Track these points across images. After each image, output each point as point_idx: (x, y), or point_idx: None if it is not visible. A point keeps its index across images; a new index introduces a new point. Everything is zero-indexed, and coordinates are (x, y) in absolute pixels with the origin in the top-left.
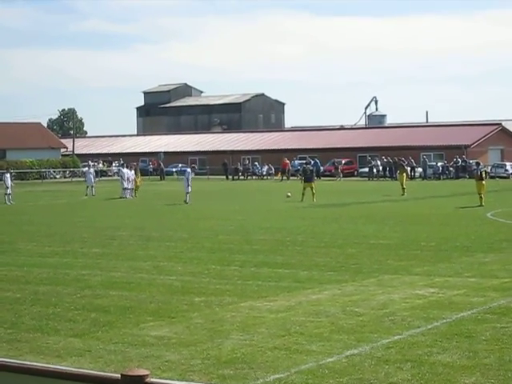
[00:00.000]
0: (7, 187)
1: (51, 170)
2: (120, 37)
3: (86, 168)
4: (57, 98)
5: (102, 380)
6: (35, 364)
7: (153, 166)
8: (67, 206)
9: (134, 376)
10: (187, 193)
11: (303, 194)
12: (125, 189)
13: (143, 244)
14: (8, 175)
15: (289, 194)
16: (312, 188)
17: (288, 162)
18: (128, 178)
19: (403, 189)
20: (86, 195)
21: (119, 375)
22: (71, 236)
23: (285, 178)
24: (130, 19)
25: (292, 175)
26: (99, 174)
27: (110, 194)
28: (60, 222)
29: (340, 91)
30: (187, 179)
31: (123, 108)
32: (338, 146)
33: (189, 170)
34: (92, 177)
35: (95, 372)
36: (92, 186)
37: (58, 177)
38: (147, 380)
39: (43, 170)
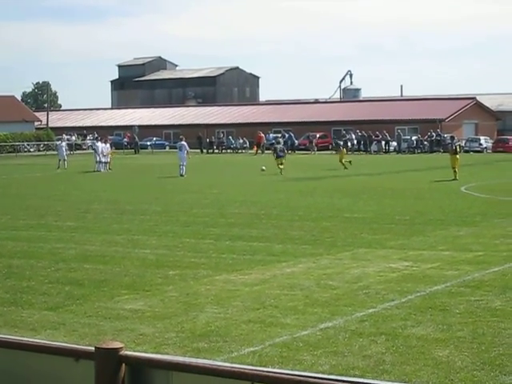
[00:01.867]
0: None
1: (25, 144)
2: (95, 9)
3: (59, 142)
4: (31, 71)
5: (77, 353)
6: (9, 337)
7: (127, 139)
8: (41, 180)
9: (108, 349)
10: (183, 165)
11: (279, 168)
12: (99, 162)
13: (117, 217)
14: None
15: (263, 167)
16: (282, 163)
17: (263, 135)
18: (102, 152)
19: (344, 163)
20: (58, 168)
21: (93, 348)
22: (45, 209)
23: (259, 151)
24: None
25: (267, 149)
26: (73, 147)
27: (85, 167)
28: (34, 196)
29: (315, 65)
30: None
31: (98, 81)
32: (313, 119)
33: (184, 143)
34: (64, 150)
35: (69, 345)
36: (64, 160)
37: (31, 150)
38: (121, 353)
39: (17, 143)
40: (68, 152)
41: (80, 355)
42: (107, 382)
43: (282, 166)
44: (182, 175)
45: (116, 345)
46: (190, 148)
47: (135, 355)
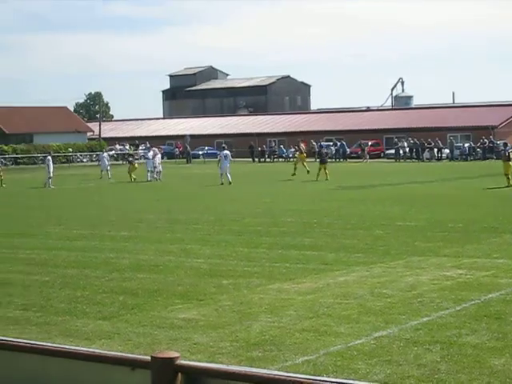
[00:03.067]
0: (49, 171)
1: (78, 154)
2: (146, 20)
3: (101, 152)
4: (83, 82)
5: (132, 362)
6: (65, 346)
7: (178, 149)
8: (94, 190)
9: (164, 358)
10: (224, 174)
11: (318, 174)
12: (151, 172)
13: (170, 227)
14: (50, 158)
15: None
16: (325, 168)
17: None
18: (153, 162)
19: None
20: (101, 178)
21: (149, 357)
22: (99, 219)
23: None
24: (155, 3)
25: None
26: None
27: (137, 177)
28: (87, 206)
29: (366, 72)
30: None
31: (149, 91)
32: (365, 127)
33: (228, 152)
34: (106, 161)
35: (125, 354)
36: (107, 170)
37: (84, 160)
38: (177, 362)
39: (70, 153)
40: (109, 163)
41: (136, 364)
42: None
43: (327, 171)
44: (230, 183)
45: (172, 354)
46: (242, 157)
47: (191, 364)
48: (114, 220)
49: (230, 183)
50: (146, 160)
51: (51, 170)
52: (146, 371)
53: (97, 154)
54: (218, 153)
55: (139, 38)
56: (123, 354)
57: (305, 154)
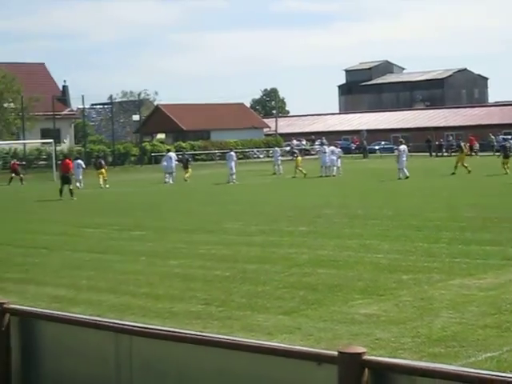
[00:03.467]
0: (231, 167)
1: (255, 150)
2: (321, 15)
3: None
4: (259, 78)
5: (318, 357)
6: (249, 341)
7: (354, 144)
8: (271, 186)
9: (351, 353)
10: (400, 169)
11: (504, 168)
12: (324, 167)
13: (349, 222)
14: (233, 154)
15: None
16: (507, 163)
17: (473, 138)
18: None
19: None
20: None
21: (336, 352)
22: (277, 215)
23: (473, 154)
24: None
25: (497, 151)
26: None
27: (313, 172)
28: (264, 201)
29: None
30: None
31: (325, 86)
32: None
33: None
34: (173, 161)
35: (311, 349)
36: (171, 173)
37: (261, 156)
38: (364, 357)
39: (247, 149)
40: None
41: (322, 359)
42: None
43: (507, 166)
44: (407, 177)
45: (359, 349)
46: (419, 151)
47: (378, 360)
48: (291, 215)
49: (407, 177)
50: (321, 155)
51: (233, 165)
52: (332, 366)
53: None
54: (396, 147)
55: (315, 34)
56: (309, 349)
57: (465, 153)
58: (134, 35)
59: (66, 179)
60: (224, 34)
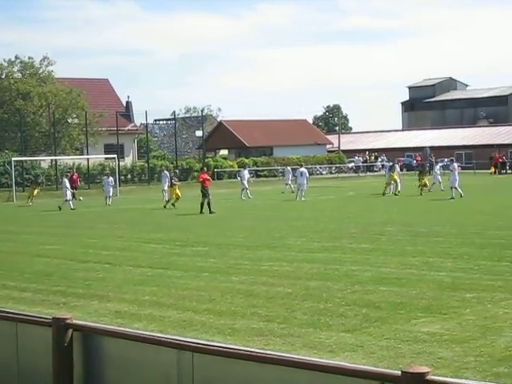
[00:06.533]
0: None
1: (317, 166)
2: (384, 32)
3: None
4: (322, 95)
5: (383, 376)
6: (312, 359)
7: (416, 161)
8: (333, 202)
9: (414, 373)
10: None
11: None
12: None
13: (411, 239)
14: (304, 170)
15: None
16: None
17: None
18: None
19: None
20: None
21: (399, 372)
22: (339, 231)
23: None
24: (392, 14)
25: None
26: (365, 168)
27: (375, 189)
28: (327, 218)
29: None
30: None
31: (388, 103)
32: None
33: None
34: (166, 180)
35: (375, 368)
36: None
37: (324, 173)
38: (428, 377)
39: (310, 166)
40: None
41: (386, 379)
42: None
43: None
44: (461, 195)
45: (422, 369)
46: (482, 169)
47: (441, 380)
48: (354, 232)
49: (461, 196)
50: (385, 172)
51: (304, 182)
52: None
53: (336, 167)
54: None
55: (377, 50)
56: (373, 368)
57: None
58: (198, 51)
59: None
60: (287, 50)
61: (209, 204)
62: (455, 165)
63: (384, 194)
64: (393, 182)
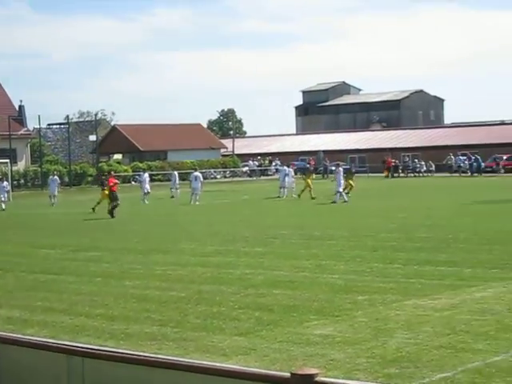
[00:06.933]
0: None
1: (212, 171)
2: (277, 36)
3: (141, 175)
4: (216, 99)
5: (272, 379)
6: (204, 363)
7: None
8: (228, 206)
9: (304, 375)
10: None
11: None
12: (282, 187)
13: (305, 243)
14: (197, 174)
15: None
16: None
17: (391, 159)
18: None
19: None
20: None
21: (289, 374)
22: (233, 235)
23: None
24: (286, 18)
25: (455, 171)
26: (258, 172)
27: (269, 193)
28: (221, 222)
29: (499, 86)
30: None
31: (282, 107)
32: (499, 141)
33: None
34: (146, 182)
35: (265, 371)
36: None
37: (218, 177)
38: (317, 379)
39: (204, 170)
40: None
41: (276, 381)
42: None
43: None
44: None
45: (312, 371)
46: (375, 172)
47: (331, 381)
48: (248, 236)
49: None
50: (280, 175)
51: (199, 186)
52: None
53: (230, 171)
54: (334, 169)
55: (271, 55)
56: (262, 371)
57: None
58: (92, 55)
59: None
60: (183, 54)
61: (113, 208)
62: (340, 169)
63: (334, 202)
64: (349, 186)
